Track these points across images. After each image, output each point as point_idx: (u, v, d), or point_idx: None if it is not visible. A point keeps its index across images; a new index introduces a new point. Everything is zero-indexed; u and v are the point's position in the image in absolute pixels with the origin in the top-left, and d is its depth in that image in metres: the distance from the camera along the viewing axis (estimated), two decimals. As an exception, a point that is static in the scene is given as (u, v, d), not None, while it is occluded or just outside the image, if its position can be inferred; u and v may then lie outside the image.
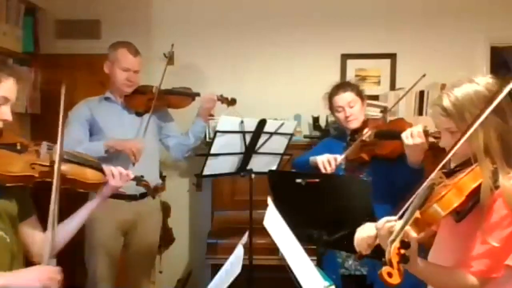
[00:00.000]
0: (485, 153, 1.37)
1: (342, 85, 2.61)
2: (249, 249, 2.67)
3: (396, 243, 1.25)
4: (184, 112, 3.07)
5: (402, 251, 1.24)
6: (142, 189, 2.76)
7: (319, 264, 2.10)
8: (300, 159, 2.64)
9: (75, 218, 1.83)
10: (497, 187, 1.34)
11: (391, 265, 1.22)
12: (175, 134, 3.04)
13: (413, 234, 1.29)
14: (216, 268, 2.63)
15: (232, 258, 1.52)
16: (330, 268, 2.44)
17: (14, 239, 1.61)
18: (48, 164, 1.64)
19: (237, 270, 1.42)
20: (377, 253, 1.44)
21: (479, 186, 1.34)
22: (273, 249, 1.64)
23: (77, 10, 3.86)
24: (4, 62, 1.65)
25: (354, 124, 2.50)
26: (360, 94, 2.56)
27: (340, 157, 2.42)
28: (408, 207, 1.37)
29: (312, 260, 1.49)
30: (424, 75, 2.59)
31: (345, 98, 2.51)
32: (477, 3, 3.78)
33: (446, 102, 1.44)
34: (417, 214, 1.32)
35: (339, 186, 2.12)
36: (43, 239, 1.68)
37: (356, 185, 2.11)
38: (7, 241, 1.58)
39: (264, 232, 1.72)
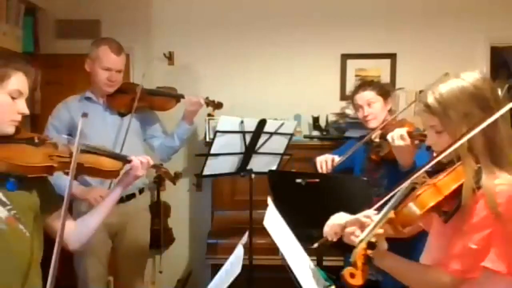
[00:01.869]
0: (469, 151, 1.33)
1: (363, 84, 2.59)
2: (249, 249, 2.67)
3: (363, 244, 1.25)
4: (170, 112, 3.00)
5: (369, 252, 1.24)
6: (128, 191, 2.70)
7: (319, 264, 2.10)
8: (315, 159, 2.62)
9: (99, 209, 1.89)
10: (479, 188, 1.30)
11: (355, 266, 1.22)
12: (160, 135, 2.95)
13: (379, 231, 1.29)
14: (216, 268, 2.63)
15: (232, 258, 1.52)
16: None
17: (34, 234, 1.63)
18: (66, 155, 1.70)
19: (237, 270, 1.41)
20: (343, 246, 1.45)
21: (461, 186, 1.32)
22: (273, 249, 1.64)
23: (77, 10, 3.86)
24: (8, 58, 1.66)
25: (373, 124, 2.48)
26: (383, 93, 2.52)
27: (338, 158, 2.42)
28: (384, 205, 1.37)
29: (312, 260, 1.49)
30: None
31: (364, 97, 2.50)
32: (477, 3, 3.78)
33: (430, 99, 1.40)
34: (391, 214, 1.31)
35: (339, 186, 2.12)
36: (71, 227, 1.77)
37: (356, 185, 2.12)
38: (27, 236, 1.60)
39: (264, 232, 1.72)
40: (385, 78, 3.81)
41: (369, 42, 3.81)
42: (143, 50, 3.86)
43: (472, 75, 1.40)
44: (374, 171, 2.45)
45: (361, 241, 1.27)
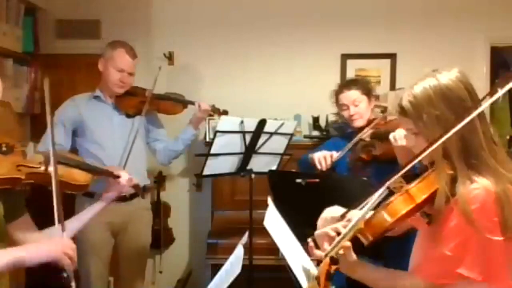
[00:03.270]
0: (444, 156, 1.29)
1: (348, 83, 2.59)
2: (249, 249, 2.66)
3: (327, 259, 1.23)
4: (173, 116, 3.05)
5: (332, 267, 1.22)
6: (131, 190, 2.76)
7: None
8: (304, 157, 2.63)
9: (77, 219, 1.86)
10: (454, 194, 1.26)
11: (318, 282, 1.21)
12: (163, 138, 3.00)
13: (346, 244, 1.26)
14: (216, 268, 2.63)
15: (232, 258, 1.52)
16: None
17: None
18: (35, 165, 1.62)
19: (237, 270, 1.41)
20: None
21: (435, 193, 1.28)
22: (273, 249, 1.64)
23: (77, 10, 3.86)
24: None
25: (359, 123, 2.49)
26: (367, 92, 2.52)
27: (336, 154, 2.42)
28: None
29: (312, 260, 1.49)
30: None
31: (350, 96, 2.49)
32: (477, 3, 3.78)
33: (405, 102, 1.35)
34: (361, 224, 1.27)
35: (339, 186, 2.12)
36: (37, 238, 1.68)
37: (356, 185, 2.11)
38: None
39: (264, 232, 1.72)
40: (385, 78, 3.82)
41: (369, 42, 3.81)
42: (143, 50, 3.85)
43: (446, 75, 1.35)
44: (361, 170, 2.45)
45: (326, 254, 1.25)
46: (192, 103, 2.97)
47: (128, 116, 2.84)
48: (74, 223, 1.85)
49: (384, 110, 3.33)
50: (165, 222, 3.83)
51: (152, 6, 3.88)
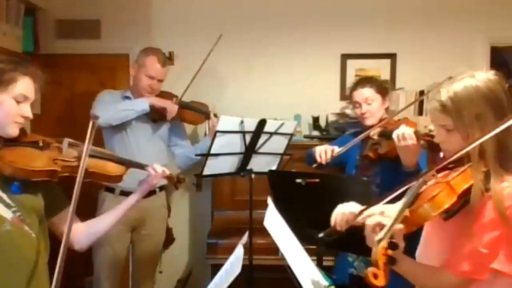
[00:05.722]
0: (479, 155, 1.34)
1: (362, 81, 2.59)
2: (249, 249, 2.67)
3: (384, 243, 1.21)
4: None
5: (390, 252, 1.20)
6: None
7: (319, 264, 2.10)
8: (310, 150, 2.63)
9: (113, 213, 1.92)
10: (488, 190, 1.31)
11: (377, 266, 1.18)
12: (184, 144, 3.19)
13: (399, 226, 1.27)
14: (216, 268, 2.63)
15: (232, 258, 1.52)
16: (341, 266, 2.47)
17: (40, 235, 1.64)
18: (70, 159, 1.71)
19: (237, 270, 1.41)
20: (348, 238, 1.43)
21: (470, 187, 1.32)
22: (273, 249, 1.64)
23: (77, 10, 3.86)
24: (18, 62, 1.69)
25: (370, 121, 2.48)
26: (381, 91, 2.51)
27: (337, 149, 2.42)
28: (394, 198, 1.37)
29: (312, 260, 1.49)
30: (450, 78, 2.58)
31: (362, 94, 2.49)
32: (477, 3, 3.77)
33: (445, 98, 1.38)
34: (407, 212, 1.30)
35: (339, 186, 2.12)
36: (79, 228, 1.79)
37: (356, 185, 2.11)
38: (32, 236, 1.60)
39: (264, 232, 1.72)
40: (385, 78, 3.81)
41: (369, 42, 3.81)
42: (143, 50, 3.86)
43: (485, 76, 1.39)
44: (368, 169, 2.45)
45: (380, 240, 1.23)
46: (215, 115, 3.08)
47: (154, 120, 2.98)
48: (107, 218, 1.91)
49: (386, 109, 3.33)
50: (165, 222, 3.82)
51: (152, 6, 3.88)
